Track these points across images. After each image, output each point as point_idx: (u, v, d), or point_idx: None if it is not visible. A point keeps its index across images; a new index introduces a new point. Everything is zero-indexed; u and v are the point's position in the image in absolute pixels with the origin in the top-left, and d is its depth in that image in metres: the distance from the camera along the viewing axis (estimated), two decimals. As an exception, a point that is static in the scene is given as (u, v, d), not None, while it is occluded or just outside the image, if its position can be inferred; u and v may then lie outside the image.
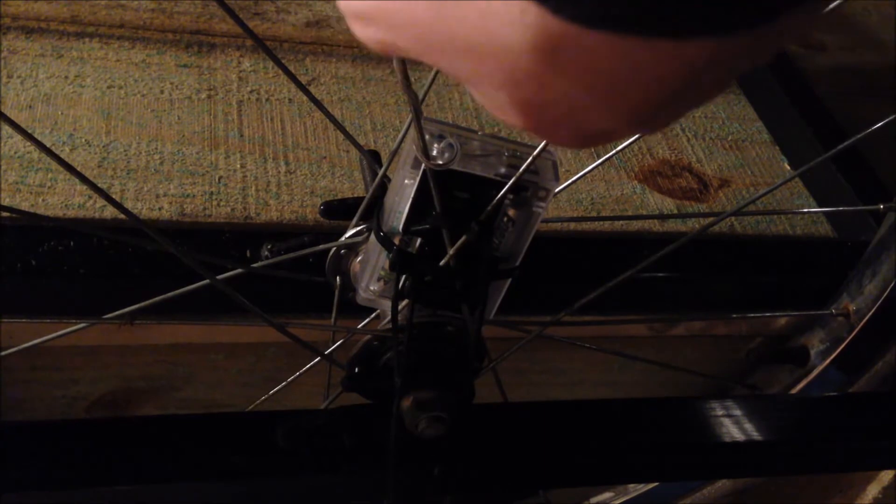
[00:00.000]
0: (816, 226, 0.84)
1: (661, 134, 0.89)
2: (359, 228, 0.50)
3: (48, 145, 0.60)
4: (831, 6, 0.45)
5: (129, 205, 0.66)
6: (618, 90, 0.20)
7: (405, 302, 0.46)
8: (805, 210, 0.86)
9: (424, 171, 0.41)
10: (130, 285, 0.60)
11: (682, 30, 0.18)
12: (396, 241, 0.44)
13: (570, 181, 0.61)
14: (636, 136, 0.35)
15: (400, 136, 0.44)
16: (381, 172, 0.48)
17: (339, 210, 0.50)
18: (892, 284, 0.74)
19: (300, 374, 0.59)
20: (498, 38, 0.20)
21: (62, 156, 0.67)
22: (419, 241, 0.44)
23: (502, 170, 0.42)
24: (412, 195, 0.43)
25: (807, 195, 0.88)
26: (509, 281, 0.48)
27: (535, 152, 0.42)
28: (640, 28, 0.18)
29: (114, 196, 0.66)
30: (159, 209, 0.67)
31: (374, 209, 0.46)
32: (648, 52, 0.19)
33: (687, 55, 0.19)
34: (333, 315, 0.52)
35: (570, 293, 0.55)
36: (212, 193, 0.69)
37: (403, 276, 0.45)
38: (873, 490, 0.81)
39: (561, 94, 0.21)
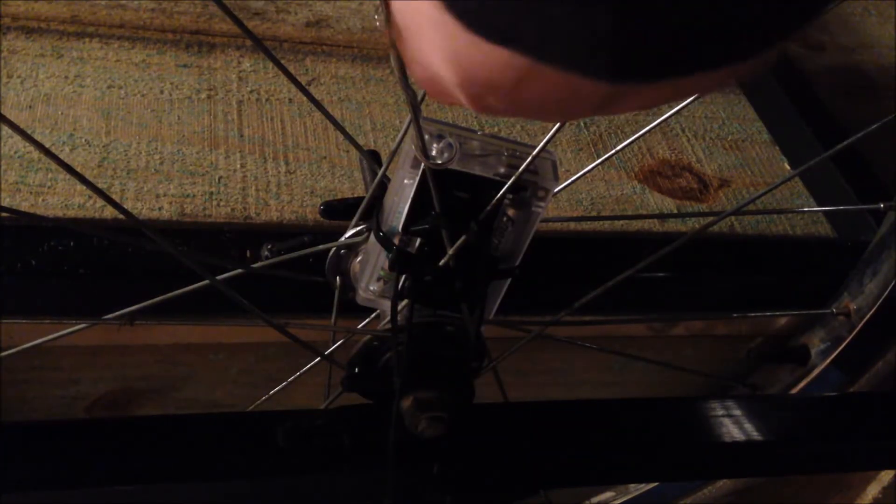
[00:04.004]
0: (816, 225, 0.84)
1: (661, 134, 0.89)
2: (359, 228, 0.50)
3: (48, 145, 0.60)
4: (831, 6, 0.45)
5: (129, 205, 0.66)
6: (536, 110, 0.22)
7: (405, 302, 0.46)
8: (805, 210, 0.86)
9: (424, 170, 0.41)
10: (130, 285, 0.60)
11: (617, 74, 0.19)
12: (396, 240, 0.44)
13: (569, 181, 0.61)
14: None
15: (399, 135, 0.44)
16: (380, 172, 0.48)
17: (339, 210, 0.50)
18: (892, 284, 0.74)
19: (300, 374, 0.59)
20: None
21: (62, 156, 0.67)
22: (419, 240, 0.44)
23: (501, 170, 0.42)
24: (411, 195, 0.43)
25: (807, 195, 0.88)
26: (509, 281, 0.48)
27: (535, 152, 0.42)
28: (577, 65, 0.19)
29: (114, 196, 0.66)
30: (159, 209, 0.67)
31: (373, 209, 0.46)
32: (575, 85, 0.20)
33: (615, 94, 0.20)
34: (333, 315, 0.52)
35: (570, 293, 0.55)
36: (212, 193, 0.69)
37: (403, 276, 0.45)
38: (873, 490, 0.81)
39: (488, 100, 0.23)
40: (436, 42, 0.22)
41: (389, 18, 0.24)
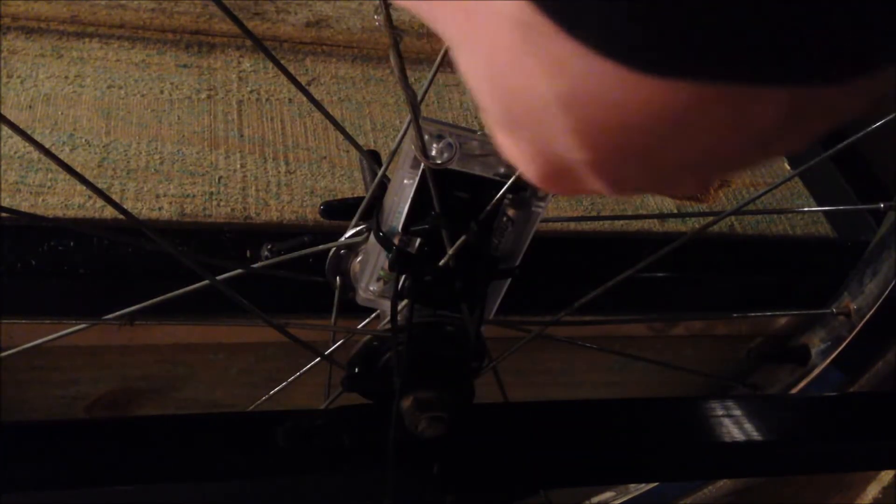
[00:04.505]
0: (816, 225, 0.84)
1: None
2: (359, 228, 0.50)
3: (48, 145, 0.61)
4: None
5: (129, 205, 0.66)
6: (657, 143, 0.18)
7: (405, 302, 0.46)
8: (805, 210, 0.86)
9: (423, 171, 0.41)
10: (130, 285, 0.60)
11: (761, 76, 0.16)
12: (396, 240, 0.44)
13: (569, 181, 0.60)
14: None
15: (399, 135, 0.44)
16: (380, 172, 0.48)
17: (340, 210, 0.50)
18: (892, 284, 0.74)
19: (300, 375, 0.59)
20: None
21: (62, 156, 0.67)
22: (418, 241, 0.44)
23: (501, 169, 0.42)
24: (411, 195, 0.43)
25: (807, 195, 0.88)
26: (509, 281, 0.48)
27: (535, 152, 0.42)
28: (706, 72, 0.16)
29: (114, 196, 0.66)
30: (159, 209, 0.67)
31: (373, 209, 0.46)
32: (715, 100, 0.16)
33: (764, 106, 0.17)
34: (333, 315, 0.52)
35: (570, 293, 0.55)
36: (212, 193, 0.69)
37: (403, 276, 0.45)
38: (873, 490, 0.81)
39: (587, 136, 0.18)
40: (568, 113, 0.18)
41: (496, 120, 0.20)
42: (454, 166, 0.41)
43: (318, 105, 0.48)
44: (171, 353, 0.71)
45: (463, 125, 0.43)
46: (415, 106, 0.36)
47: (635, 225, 0.78)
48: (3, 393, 0.69)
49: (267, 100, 0.79)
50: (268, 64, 0.82)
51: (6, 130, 0.67)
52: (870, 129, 0.58)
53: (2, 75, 0.73)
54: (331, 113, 0.61)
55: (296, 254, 0.53)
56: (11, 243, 0.58)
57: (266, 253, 0.58)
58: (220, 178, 0.71)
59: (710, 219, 0.74)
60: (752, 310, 0.80)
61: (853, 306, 0.76)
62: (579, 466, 0.55)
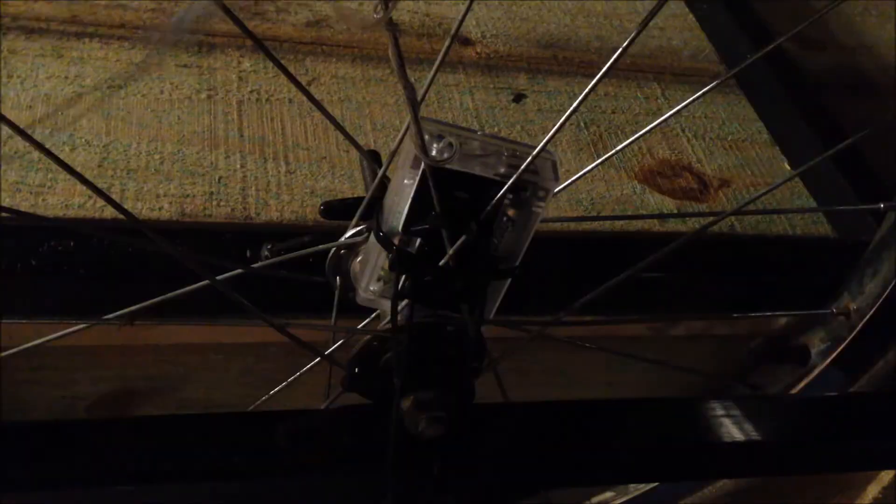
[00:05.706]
0: (816, 226, 0.84)
1: (661, 134, 0.89)
2: (359, 228, 0.50)
3: (48, 146, 0.60)
4: (832, 7, 0.45)
5: (129, 205, 0.66)
6: None
7: (405, 302, 0.46)
8: (805, 210, 0.86)
9: (424, 171, 0.41)
10: (130, 285, 0.60)
11: None
12: (396, 241, 0.44)
13: (569, 181, 0.61)
14: None
15: (399, 135, 0.44)
16: (380, 172, 0.48)
17: (339, 210, 0.50)
18: (892, 284, 0.73)
19: (300, 374, 0.59)
20: None
21: (62, 156, 0.67)
22: (419, 241, 0.44)
23: (502, 169, 0.42)
24: (411, 195, 0.43)
25: (807, 195, 0.88)
26: (509, 281, 0.48)
27: (535, 152, 0.42)
28: None
29: (114, 196, 0.66)
30: (159, 209, 0.67)
31: (373, 209, 0.46)
32: None
33: None
34: (333, 315, 0.52)
35: (570, 293, 0.55)
36: (212, 193, 0.69)
37: (403, 277, 0.45)
38: (873, 490, 0.81)
39: None
40: None
41: None
42: (454, 166, 0.41)
43: (318, 105, 0.48)
44: (171, 353, 0.71)
45: (463, 125, 0.43)
46: (414, 102, 0.36)
47: (635, 225, 0.78)
48: (3, 393, 0.69)
49: (267, 100, 0.79)
50: (268, 64, 0.82)
51: (6, 130, 0.67)
52: (870, 129, 0.58)
53: (2, 75, 0.73)
54: (331, 113, 0.61)
55: (296, 254, 0.53)
56: (11, 243, 0.58)
57: (266, 253, 0.58)
58: (220, 178, 0.71)
59: (710, 219, 0.74)
60: (752, 310, 0.80)
61: (853, 306, 0.76)
62: (579, 466, 0.55)
